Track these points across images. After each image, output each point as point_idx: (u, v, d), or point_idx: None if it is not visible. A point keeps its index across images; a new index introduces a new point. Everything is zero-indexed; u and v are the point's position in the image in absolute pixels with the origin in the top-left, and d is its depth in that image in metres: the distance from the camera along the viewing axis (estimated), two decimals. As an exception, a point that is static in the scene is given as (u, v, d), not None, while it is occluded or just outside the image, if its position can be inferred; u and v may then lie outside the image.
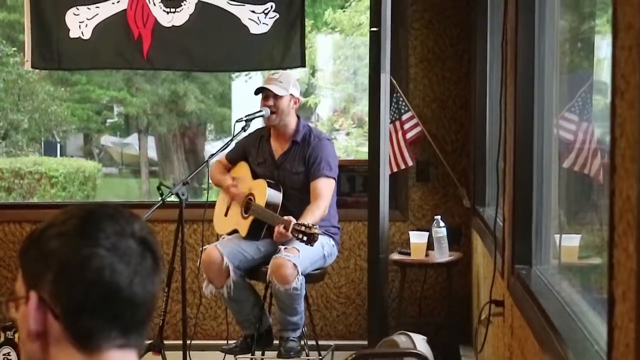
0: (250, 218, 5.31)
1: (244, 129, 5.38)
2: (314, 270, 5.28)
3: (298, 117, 5.50)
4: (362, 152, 12.99)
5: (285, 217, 4.97)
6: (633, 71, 1.62)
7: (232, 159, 5.65)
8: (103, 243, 1.54)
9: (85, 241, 1.54)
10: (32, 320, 1.55)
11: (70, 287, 1.54)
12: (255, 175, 5.49)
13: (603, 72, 3.03)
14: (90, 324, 1.54)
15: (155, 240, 1.61)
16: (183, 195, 5.08)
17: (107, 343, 1.54)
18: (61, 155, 19.44)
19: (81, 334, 1.54)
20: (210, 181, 5.69)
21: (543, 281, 3.24)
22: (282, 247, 5.09)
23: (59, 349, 1.55)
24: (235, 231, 5.43)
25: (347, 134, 15.46)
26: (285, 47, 6.00)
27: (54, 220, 1.60)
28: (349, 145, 14.99)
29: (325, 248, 5.28)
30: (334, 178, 5.36)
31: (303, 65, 6.10)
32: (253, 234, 5.30)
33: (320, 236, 4.90)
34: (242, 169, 5.56)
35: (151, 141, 19.48)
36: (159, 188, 5.20)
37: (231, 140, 5.48)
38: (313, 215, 5.09)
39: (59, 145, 20.47)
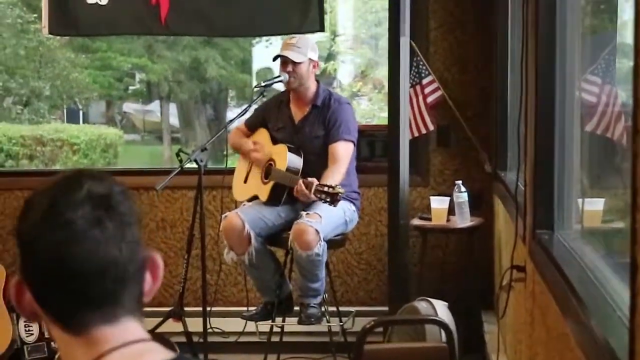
0: (271, 183, 5.28)
1: (262, 94, 5.34)
2: (335, 236, 5.25)
3: (318, 81, 5.44)
4: (382, 117, 12.94)
5: (307, 179, 4.93)
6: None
7: (251, 125, 5.61)
8: (49, 220, 1.44)
9: (34, 221, 1.46)
10: (15, 303, 1.50)
11: (28, 271, 1.47)
12: (275, 141, 5.45)
13: (628, 34, 2.97)
14: (60, 305, 1.46)
15: (122, 199, 1.48)
16: (202, 161, 5.07)
17: (88, 320, 1.45)
18: (84, 123, 19.49)
19: (57, 315, 1.47)
20: (229, 147, 5.66)
21: (565, 246, 3.20)
22: (304, 213, 5.06)
23: (53, 330, 1.50)
24: (255, 197, 5.39)
25: (369, 99, 15.41)
26: (304, 11, 5.93)
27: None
28: (370, 110, 14.95)
29: (346, 213, 5.25)
30: (353, 142, 5.31)
31: (322, 29, 6.04)
32: (274, 199, 5.27)
33: (341, 201, 4.86)
34: (262, 136, 5.52)
35: (173, 108, 19.51)
36: (178, 154, 5.19)
37: (249, 105, 5.44)
38: (333, 178, 5.05)
39: (81, 113, 20.51)
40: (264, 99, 5.49)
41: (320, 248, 5.04)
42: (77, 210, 1.44)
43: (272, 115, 5.51)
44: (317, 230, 5.00)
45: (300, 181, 4.92)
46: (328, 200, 4.79)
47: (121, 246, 1.45)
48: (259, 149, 5.43)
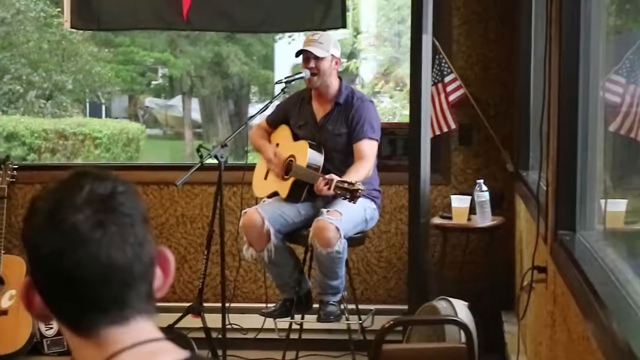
0: (291, 179, 5.26)
1: (283, 90, 5.33)
2: (355, 234, 5.23)
3: (340, 78, 5.42)
4: (404, 115, 12.91)
5: (328, 175, 4.91)
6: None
7: (273, 122, 5.59)
8: (50, 225, 1.41)
9: (35, 227, 1.44)
10: (25, 305, 1.48)
11: (35, 274, 1.45)
12: (296, 138, 5.43)
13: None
14: (67, 309, 1.44)
15: (126, 199, 1.45)
16: (222, 157, 5.06)
17: (96, 322, 1.43)
18: (106, 117, 19.55)
19: (66, 318, 1.45)
20: (250, 145, 5.65)
21: (587, 247, 3.17)
22: (324, 210, 5.04)
23: (63, 331, 1.48)
24: (275, 194, 5.38)
25: (390, 97, 15.38)
26: (326, 7, 5.92)
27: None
28: (391, 107, 14.92)
29: (367, 211, 5.23)
30: (377, 140, 5.28)
31: (344, 25, 6.02)
32: (294, 195, 5.25)
33: (361, 199, 4.84)
34: (283, 132, 5.51)
35: (195, 103, 19.54)
36: (198, 150, 5.19)
37: (271, 102, 5.42)
38: (357, 173, 5.03)
39: (103, 107, 20.58)
40: (286, 95, 5.46)
41: (340, 245, 5.01)
42: (79, 213, 1.41)
43: (293, 112, 5.49)
44: (337, 228, 4.97)
45: (321, 178, 4.90)
46: (348, 196, 4.77)
47: (125, 248, 1.42)
48: (277, 164, 5.39)
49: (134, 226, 1.44)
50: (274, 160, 5.39)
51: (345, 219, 5.02)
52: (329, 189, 4.82)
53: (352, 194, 4.75)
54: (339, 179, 4.83)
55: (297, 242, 5.30)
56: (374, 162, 5.26)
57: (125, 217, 1.44)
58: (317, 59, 5.26)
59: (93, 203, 1.42)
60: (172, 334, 4.74)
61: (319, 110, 5.39)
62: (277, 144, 5.50)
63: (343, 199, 4.81)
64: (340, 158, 5.24)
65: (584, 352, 2.70)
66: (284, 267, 5.30)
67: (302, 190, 5.19)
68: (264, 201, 5.38)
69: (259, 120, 5.69)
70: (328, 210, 5.02)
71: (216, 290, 5.79)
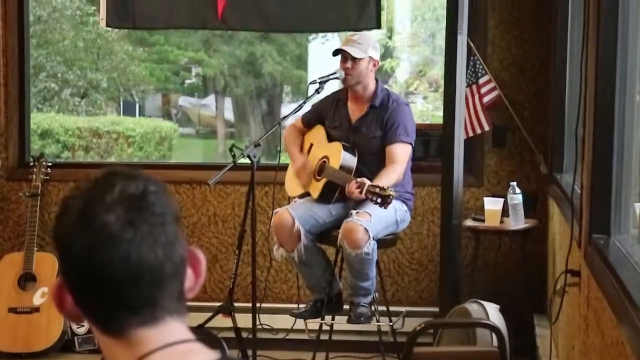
0: (323, 180, 5.24)
1: (317, 91, 5.31)
2: (385, 236, 5.21)
3: (377, 80, 5.39)
4: (438, 116, 12.87)
5: (359, 179, 4.89)
6: None
7: (308, 122, 5.58)
8: (81, 224, 1.41)
9: (66, 226, 1.43)
10: (56, 305, 1.47)
11: (66, 273, 1.44)
12: (330, 139, 5.41)
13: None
14: (97, 309, 1.43)
15: (157, 198, 1.44)
16: (255, 157, 5.06)
17: (127, 323, 1.42)
18: (140, 115, 19.63)
19: (96, 318, 1.44)
20: (283, 144, 5.64)
21: (622, 251, 3.14)
22: (354, 212, 5.02)
23: (94, 331, 1.47)
24: (307, 194, 5.37)
25: (424, 97, 15.34)
26: (361, 7, 5.90)
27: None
28: (426, 109, 14.88)
29: (398, 213, 5.20)
30: (411, 144, 5.25)
31: (379, 26, 6.01)
32: (325, 196, 5.24)
33: (393, 201, 4.82)
34: (318, 132, 5.49)
35: (228, 102, 19.57)
36: (231, 150, 5.18)
37: (304, 102, 5.40)
38: (388, 178, 5.01)
39: (137, 105, 20.66)
40: (319, 95, 5.44)
41: (369, 247, 4.99)
42: (110, 212, 1.40)
43: (329, 113, 5.47)
44: (366, 229, 4.95)
45: (353, 181, 4.88)
46: (379, 201, 4.74)
47: (156, 248, 1.41)
48: (303, 176, 5.38)
49: (165, 226, 1.43)
50: (301, 172, 5.38)
51: (375, 220, 5.00)
52: (360, 192, 4.80)
53: (383, 199, 4.73)
54: (370, 183, 4.81)
55: (328, 242, 5.29)
56: (406, 166, 5.23)
57: (156, 216, 1.43)
58: (354, 59, 5.23)
59: (124, 202, 1.42)
60: (203, 333, 4.74)
61: (355, 112, 5.37)
62: (311, 144, 5.49)
63: (374, 203, 4.79)
64: (374, 161, 5.21)
65: (618, 357, 2.68)
66: (315, 268, 5.29)
67: (334, 191, 5.18)
68: (295, 201, 5.38)
69: (294, 119, 5.68)
70: (358, 212, 5.01)
71: (247, 290, 5.80)
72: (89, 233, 1.40)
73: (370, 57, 5.26)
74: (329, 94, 5.55)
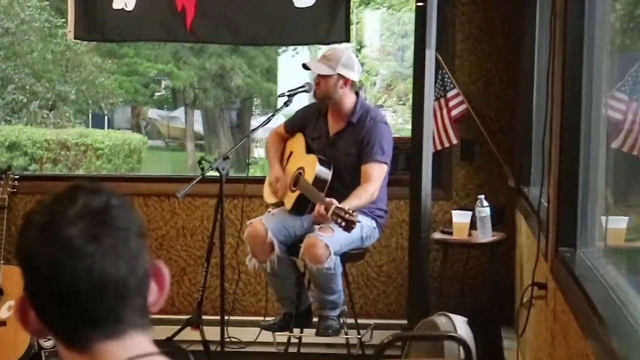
0: (297, 192, 5.24)
1: (286, 104, 5.31)
2: (352, 250, 5.20)
3: (358, 95, 5.36)
4: (407, 129, 12.92)
5: (327, 199, 4.88)
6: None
7: (290, 129, 5.56)
8: (44, 238, 1.41)
9: (29, 240, 1.44)
10: (20, 320, 1.47)
11: (29, 288, 1.44)
12: (309, 150, 5.40)
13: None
14: (61, 323, 1.43)
15: (120, 213, 1.44)
16: (223, 170, 5.05)
17: (90, 337, 1.42)
18: (108, 128, 19.57)
19: (59, 332, 1.44)
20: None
21: (587, 264, 3.16)
22: (317, 226, 5.02)
23: (58, 346, 1.46)
24: (282, 203, 5.36)
25: (393, 111, 15.39)
26: (330, 21, 5.91)
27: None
28: (395, 122, 14.93)
29: (364, 230, 5.17)
30: (386, 163, 5.21)
31: (348, 40, 6.02)
32: (298, 208, 5.23)
33: (362, 216, 4.82)
34: (299, 141, 5.47)
35: (198, 115, 19.57)
36: (200, 162, 5.18)
37: (274, 114, 5.40)
38: (359, 199, 5.00)
39: (106, 118, 20.60)
40: (288, 108, 5.43)
41: (331, 262, 4.97)
42: (72, 226, 1.40)
43: (310, 122, 5.45)
44: (327, 245, 4.94)
45: (322, 206, 4.84)
46: (343, 225, 4.74)
47: (119, 262, 1.41)
48: (280, 187, 5.37)
49: (129, 240, 1.44)
50: (276, 183, 5.37)
51: (338, 236, 4.97)
52: (327, 212, 4.79)
53: (347, 224, 4.72)
54: (337, 205, 4.80)
55: (296, 255, 5.29)
56: (380, 185, 5.20)
57: (119, 230, 1.43)
58: (322, 75, 5.24)
59: (87, 216, 1.42)
60: (171, 346, 4.73)
61: (333, 126, 5.35)
62: (291, 152, 5.49)
63: (338, 226, 4.77)
64: (348, 177, 5.20)
65: (584, 369, 2.69)
66: (286, 280, 5.29)
67: (307, 204, 5.17)
68: (269, 211, 5.37)
69: (277, 125, 5.67)
70: (321, 226, 5.00)
71: (215, 303, 5.78)
72: (51, 247, 1.40)
73: (339, 74, 5.22)
74: (313, 102, 5.53)
